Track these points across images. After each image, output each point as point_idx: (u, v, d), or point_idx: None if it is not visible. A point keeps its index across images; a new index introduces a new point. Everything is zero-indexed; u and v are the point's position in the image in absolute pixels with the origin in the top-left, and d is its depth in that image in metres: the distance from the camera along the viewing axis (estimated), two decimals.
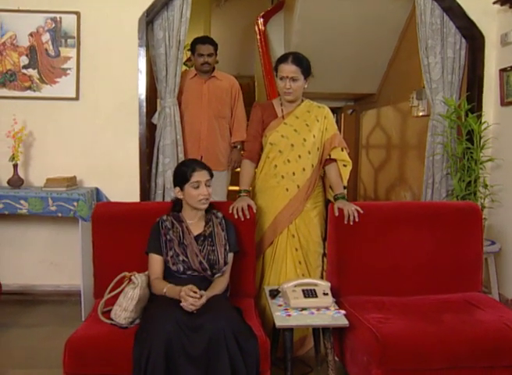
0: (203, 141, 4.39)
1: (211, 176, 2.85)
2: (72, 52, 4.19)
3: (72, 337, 2.48)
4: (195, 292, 2.51)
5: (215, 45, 4.43)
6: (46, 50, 4.19)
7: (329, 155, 3.25)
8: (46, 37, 4.18)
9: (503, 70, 4.17)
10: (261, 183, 3.28)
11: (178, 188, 2.83)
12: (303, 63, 3.16)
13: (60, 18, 4.16)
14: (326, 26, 6.08)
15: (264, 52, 7.07)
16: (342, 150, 3.25)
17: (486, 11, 4.26)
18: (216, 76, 4.47)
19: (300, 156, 3.19)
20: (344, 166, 3.26)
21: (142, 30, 4.16)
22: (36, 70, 4.19)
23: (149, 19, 4.16)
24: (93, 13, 4.19)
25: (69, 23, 4.17)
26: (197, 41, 4.39)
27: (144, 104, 4.24)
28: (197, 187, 2.77)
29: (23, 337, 3.58)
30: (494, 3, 4.19)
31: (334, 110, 9.17)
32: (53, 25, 4.17)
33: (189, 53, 8.28)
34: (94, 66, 4.22)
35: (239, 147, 4.52)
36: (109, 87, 4.24)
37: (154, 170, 4.29)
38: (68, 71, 4.20)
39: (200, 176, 2.77)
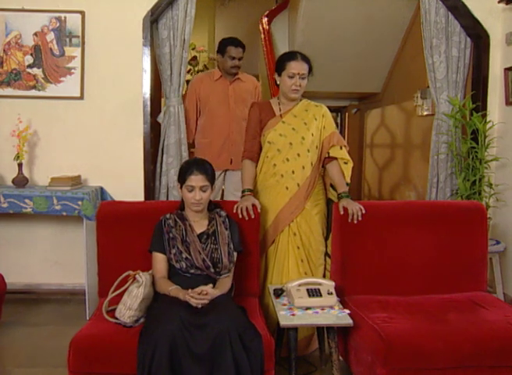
0: (232, 144, 4.26)
1: (211, 181, 2.84)
2: (77, 51, 4.20)
3: (77, 336, 2.49)
4: (199, 293, 2.52)
5: (244, 48, 4.34)
6: (51, 49, 4.19)
7: (328, 154, 3.25)
8: (51, 36, 4.18)
9: (508, 69, 4.16)
10: (261, 182, 3.27)
11: (179, 185, 2.87)
12: (309, 62, 3.19)
13: (65, 17, 4.17)
14: (330, 25, 6.07)
15: (269, 51, 7.08)
16: (341, 148, 3.25)
17: (491, 10, 4.26)
18: (240, 78, 4.38)
19: (299, 155, 3.19)
20: (345, 163, 3.25)
21: (146, 29, 4.16)
22: (40, 69, 4.20)
23: (154, 19, 4.16)
24: (97, 12, 4.20)
25: (73, 22, 4.18)
26: (229, 43, 4.26)
27: (149, 103, 4.24)
28: (191, 190, 2.78)
29: (28, 335, 3.59)
30: (499, 2, 4.18)
31: (338, 109, 9.18)
32: (58, 24, 4.18)
33: (193, 52, 8.35)
34: (99, 66, 4.23)
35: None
36: (114, 87, 4.25)
37: (158, 169, 4.29)
38: (72, 70, 4.20)
39: (195, 181, 2.77)
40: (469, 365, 2.51)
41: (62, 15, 4.17)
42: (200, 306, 2.49)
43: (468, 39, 4.29)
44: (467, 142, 4.09)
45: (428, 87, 4.46)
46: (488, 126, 4.10)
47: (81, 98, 4.23)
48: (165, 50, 4.20)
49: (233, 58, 4.24)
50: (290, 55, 3.19)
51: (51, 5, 4.16)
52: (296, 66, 3.13)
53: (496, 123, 4.23)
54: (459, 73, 4.29)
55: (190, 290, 2.54)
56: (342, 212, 3.07)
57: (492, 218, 4.19)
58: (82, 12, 4.17)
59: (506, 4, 4.14)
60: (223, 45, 4.28)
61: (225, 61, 4.27)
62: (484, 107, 4.28)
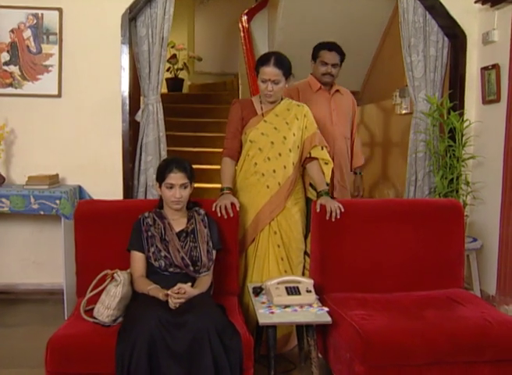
0: (337, 168, 3.72)
1: (191, 178, 2.84)
2: (54, 49, 4.15)
3: (55, 336, 2.47)
4: (177, 292, 2.51)
5: (342, 55, 3.80)
6: (27, 46, 4.14)
7: (309, 154, 3.26)
8: (27, 33, 4.13)
9: (484, 69, 4.21)
10: (242, 180, 3.27)
11: (157, 184, 2.85)
12: (284, 65, 3.14)
13: (42, 14, 4.12)
14: (310, 24, 6.08)
15: (248, 50, 7.07)
16: (322, 148, 3.26)
17: (468, 10, 4.30)
18: (340, 91, 3.90)
19: (280, 154, 3.19)
20: (325, 164, 3.27)
21: (125, 26, 4.13)
22: (17, 67, 4.15)
23: (132, 16, 4.13)
24: (75, 9, 4.15)
25: (50, 19, 4.13)
26: (322, 47, 3.81)
27: (127, 101, 4.21)
28: (171, 188, 2.77)
29: (5, 336, 3.54)
30: (475, 2, 4.23)
31: None
32: (34, 21, 4.13)
33: (173, 50, 8.34)
34: (77, 63, 4.18)
35: (361, 173, 4.12)
36: (92, 85, 4.21)
37: (136, 168, 4.27)
38: (50, 68, 4.16)
39: (175, 178, 2.77)
40: (446, 361, 2.54)
41: (39, 12, 4.12)
42: (177, 306, 2.48)
43: (446, 39, 4.33)
44: (445, 141, 4.13)
45: (407, 85, 4.50)
46: (465, 124, 4.14)
47: (59, 96, 4.18)
48: (144, 48, 4.17)
49: (325, 63, 3.75)
50: (264, 60, 3.15)
51: (28, 2, 4.11)
52: (267, 72, 3.11)
53: (473, 121, 4.27)
54: (436, 72, 4.33)
55: (170, 290, 2.53)
56: (318, 210, 3.08)
57: (469, 216, 4.24)
58: (59, 9, 4.13)
59: (483, 4, 4.18)
60: (316, 49, 3.83)
61: (317, 67, 3.79)
62: (461, 106, 4.32)
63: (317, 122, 3.53)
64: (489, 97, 4.17)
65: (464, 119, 4.19)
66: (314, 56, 3.81)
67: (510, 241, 3.88)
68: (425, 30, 4.29)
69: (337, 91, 3.87)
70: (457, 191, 4.10)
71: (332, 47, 3.78)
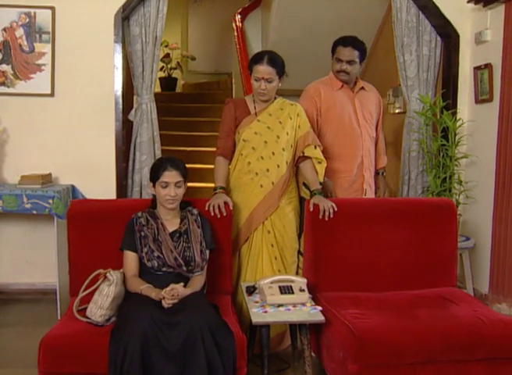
0: (366, 167, 3.58)
1: (185, 177, 2.83)
2: (47, 48, 4.14)
3: (47, 336, 2.46)
4: (170, 291, 2.51)
5: (360, 50, 3.51)
6: (20, 45, 4.13)
7: (303, 153, 3.26)
8: (20, 32, 4.12)
9: (477, 68, 4.22)
10: (235, 180, 3.27)
11: (151, 183, 2.84)
12: (278, 64, 3.15)
13: (34, 13, 4.11)
14: (303, 23, 6.09)
15: (242, 49, 7.06)
16: (315, 148, 3.27)
17: (461, 10, 4.31)
18: (364, 88, 3.66)
19: (273, 153, 3.19)
20: (319, 163, 3.27)
21: (118, 25, 4.13)
22: (10, 66, 4.13)
23: (125, 15, 4.13)
24: (68, 8, 4.14)
25: (43, 18, 4.11)
26: (338, 42, 3.54)
27: (120, 100, 4.20)
28: (166, 186, 2.76)
29: None
30: (468, 2, 4.24)
31: None
32: (27, 20, 4.11)
33: (166, 49, 8.32)
34: (70, 62, 4.17)
35: (384, 174, 3.85)
36: (85, 84, 4.20)
37: (130, 167, 4.26)
38: (43, 67, 4.14)
39: (169, 176, 2.76)
40: (439, 359, 2.54)
41: (32, 10, 4.10)
42: (170, 305, 2.48)
43: (439, 38, 4.35)
44: (438, 140, 4.14)
45: (400, 85, 4.51)
46: (458, 124, 4.15)
47: (52, 95, 4.17)
48: (137, 47, 4.16)
49: (340, 60, 3.50)
50: (257, 59, 3.16)
51: (21, 1, 4.09)
52: (260, 70, 3.12)
53: (466, 121, 4.29)
54: (429, 71, 4.35)
55: (163, 290, 2.52)
56: (311, 209, 3.08)
57: (462, 214, 4.25)
58: (52, 8, 4.11)
59: (475, 4, 4.20)
60: (334, 45, 3.56)
61: (333, 64, 3.56)
62: (454, 105, 4.34)
63: (342, 123, 3.50)
64: (482, 96, 4.18)
65: (457, 118, 4.20)
66: (332, 52, 3.57)
67: (502, 240, 3.90)
68: (418, 30, 4.31)
69: (362, 88, 3.66)
70: (450, 190, 4.11)
71: (347, 42, 3.51)
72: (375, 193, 3.77)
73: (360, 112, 3.59)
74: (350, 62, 3.49)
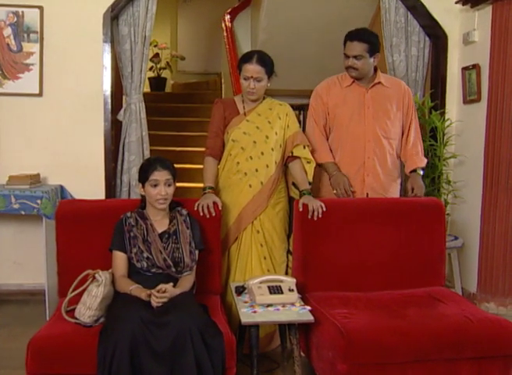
0: (369, 174, 3.42)
1: (174, 176, 2.83)
2: (36, 47, 4.11)
3: (36, 337, 2.45)
4: (158, 291, 2.51)
5: (370, 44, 3.30)
6: (8, 45, 4.10)
7: (292, 153, 3.27)
8: (8, 31, 4.09)
9: (465, 69, 4.25)
10: (224, 180, 3.27)
11: (140, 185, 2.82)
12: (267, 63, 3.16)
13: (22, 12, 4.08)
14: (293, 24, 6.10)
15: (231, 49, 7.05)
16: (304, 148, 3.27)
17: (449, 10, 4.33)
18: (382, 82, 3.42)
19: (262, 153, 3.19)
20: (308, 163, 3.27)
21: (107, 25, 4.11)
22: None
23: (114, 15, 4.11)
24: (56, 8, 4.12)
25: (31, 17, 4.09)
26: (346, 37, 3.37)
27: (109, 100, 4.19)
28: (156, 185, 2.75)
29: None
30: (456, 3, 4.26)
31: (301, 107, 9.21)
32: (15, 19, 4.08)
33: (155, 49, 8.31)
34: (58, 62, 4.15)
35: (421, 172, 3.49)
36: (73, 84, 4.17)
37: (119, 167, 4.25)
38: (31, 67, 4.12)
39: (159, 175, 2.75)
40: (427, 358, 2.56)
41: (20, 9, 4.07)
42: (159, 304, 2.47)
43: (427, 39, 4.36)
44: (427, 140, 4.15)
45: None
46: (446, 124, 4.18)
47: (40, 95, 4.15)
48: (126, 47, 4.15)
49: (347, 56, 3.36)
50: (246, 58, 3.17)
51: (8, 0, 4.07)
52: (250, 69, 3.12)
53: (454, 121, 4.31)
54: (418, 71, 4.37)
55: (152, 290, 2.52)
56: (301, 209, 3.08)
57: (450, 214, 4.27)
58: (40, 7, 4.09)
59: (463, 5, 4.22)
60: (343, 40, 3.40)
61: (344, 60, 3.40)
62: (442, 105, 4.36)
63: (345, 122, 3.37)
64: (470, 96, 4.21)
65: (446, 118, 4.23)
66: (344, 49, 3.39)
67: (490, 239, 3.92)
68: (407, 30, 4.32)
69: (378, 83, 3.42)
70: (439, 190, 4.14)
71: (353, 36, 3.32)
72: (409, 192, 3.45)
73: (369, 110, 3.37)
74: (356, 57, 3.31)
